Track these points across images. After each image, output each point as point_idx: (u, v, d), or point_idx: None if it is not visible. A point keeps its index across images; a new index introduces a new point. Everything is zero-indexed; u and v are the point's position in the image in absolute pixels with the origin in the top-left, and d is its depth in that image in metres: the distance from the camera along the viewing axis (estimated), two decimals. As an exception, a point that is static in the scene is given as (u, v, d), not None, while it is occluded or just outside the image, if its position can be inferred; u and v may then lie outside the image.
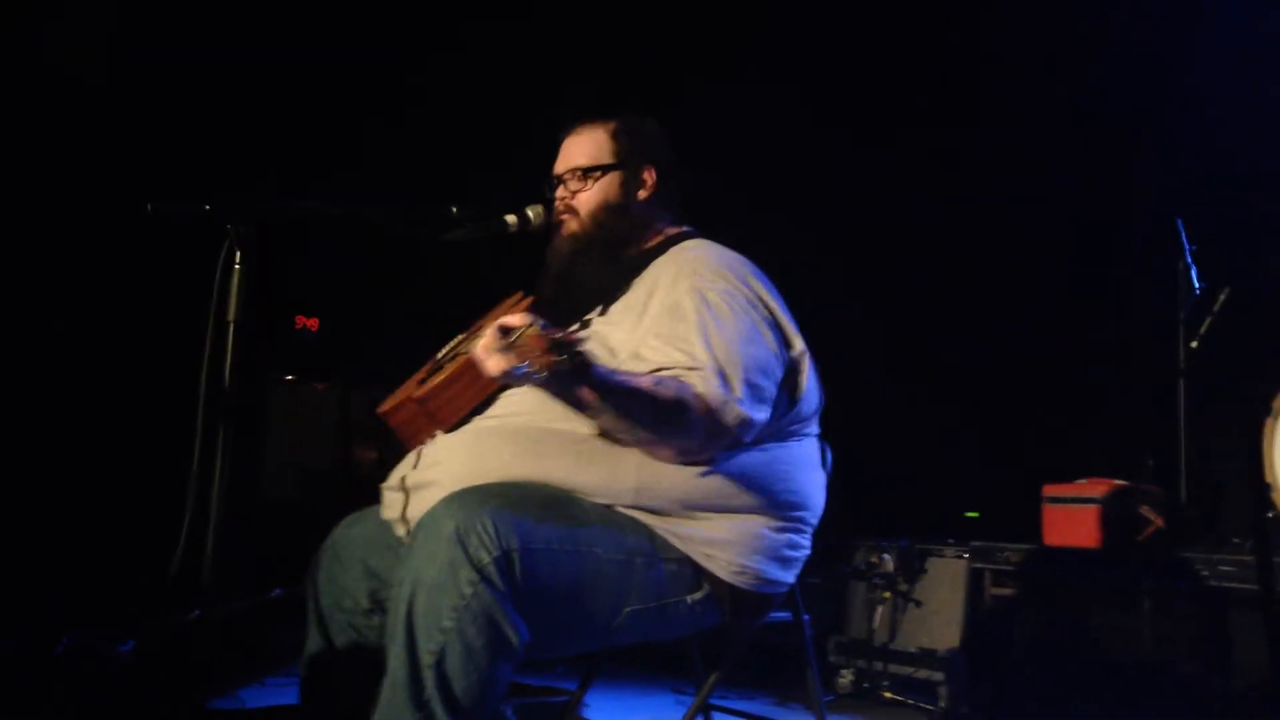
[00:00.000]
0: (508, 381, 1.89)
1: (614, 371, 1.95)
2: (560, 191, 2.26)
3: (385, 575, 2.12)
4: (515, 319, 1.93)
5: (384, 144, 4.34)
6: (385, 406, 2.25)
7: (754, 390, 2.02)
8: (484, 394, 2.13)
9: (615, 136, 2.24)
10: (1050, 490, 3.74)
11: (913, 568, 3.76)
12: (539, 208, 2.29)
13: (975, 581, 3.69)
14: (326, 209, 2.27)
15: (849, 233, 4.70)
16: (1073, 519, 3.64)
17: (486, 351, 1.87)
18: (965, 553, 3.73)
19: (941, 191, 4.76)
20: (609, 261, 2.22)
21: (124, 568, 3.36)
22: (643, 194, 2.25)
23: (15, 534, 3.45)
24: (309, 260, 4.05)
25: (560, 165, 2.26)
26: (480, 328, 2.24)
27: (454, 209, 2.32)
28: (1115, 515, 3.54)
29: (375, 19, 4.35)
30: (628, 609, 2.01)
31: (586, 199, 2.23)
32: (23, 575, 3.35)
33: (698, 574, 2.07)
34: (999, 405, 4.56)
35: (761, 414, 2.04)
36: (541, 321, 1.88)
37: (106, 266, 3.74)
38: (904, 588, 3.76)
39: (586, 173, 2.23)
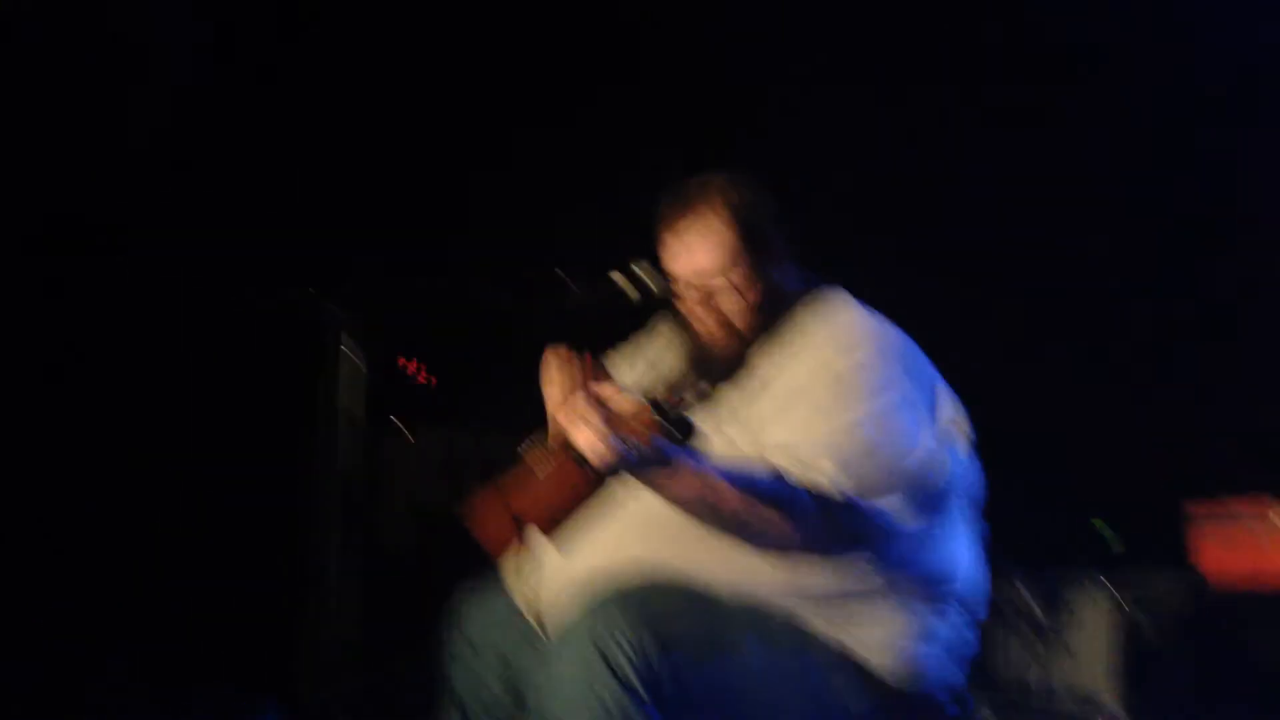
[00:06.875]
0: (609, 470, 1.81)
1: (721, 465, 1.86)
2: (687, 290, 2.08)
3: (520, 665, 2.05)
4: (615, 397, 1.84)
5: (477, 195, 4.21)
6: (466, 507, 2.16)
7: (883, 485, 1.89)
8: (579, 493, 1.97)
9: (734, 224, 2.03)
10: (1200, 509, 3.54)
11: (1055, 601, 3.60)
12: (648, 267, 2.17)
13: (1124, 615, 3.52)
14: (432, 289, 2.23)
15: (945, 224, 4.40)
16: (1231, 542, 3.44)
17: (589, 440, 1.78)
18: (1112, 584, 3.56)
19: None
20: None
21: (251, 646, 3.37)
22: (775, 266, 2.08)
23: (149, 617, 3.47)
24: (412, 305, 4.01)
25: (682, 266, 2.06)
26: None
27: (559, 271, 2.22)
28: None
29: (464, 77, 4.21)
30: (781, 716, 1.91)
31: (730, 303, 2.05)
32: (157, 660, 3.40)
33: (854, 668, 1.94)
34: (1126, 402, 4.31)
35: (896, 508, 1.90)
36: (645, 398, 1.82)
37: (220, 344, 3.72)
38: (1045, 624, 3.60)
39: (724, 280, 2.04)
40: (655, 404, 1.87)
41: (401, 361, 4.07)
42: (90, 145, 3.58)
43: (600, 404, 1.83)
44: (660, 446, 1.82)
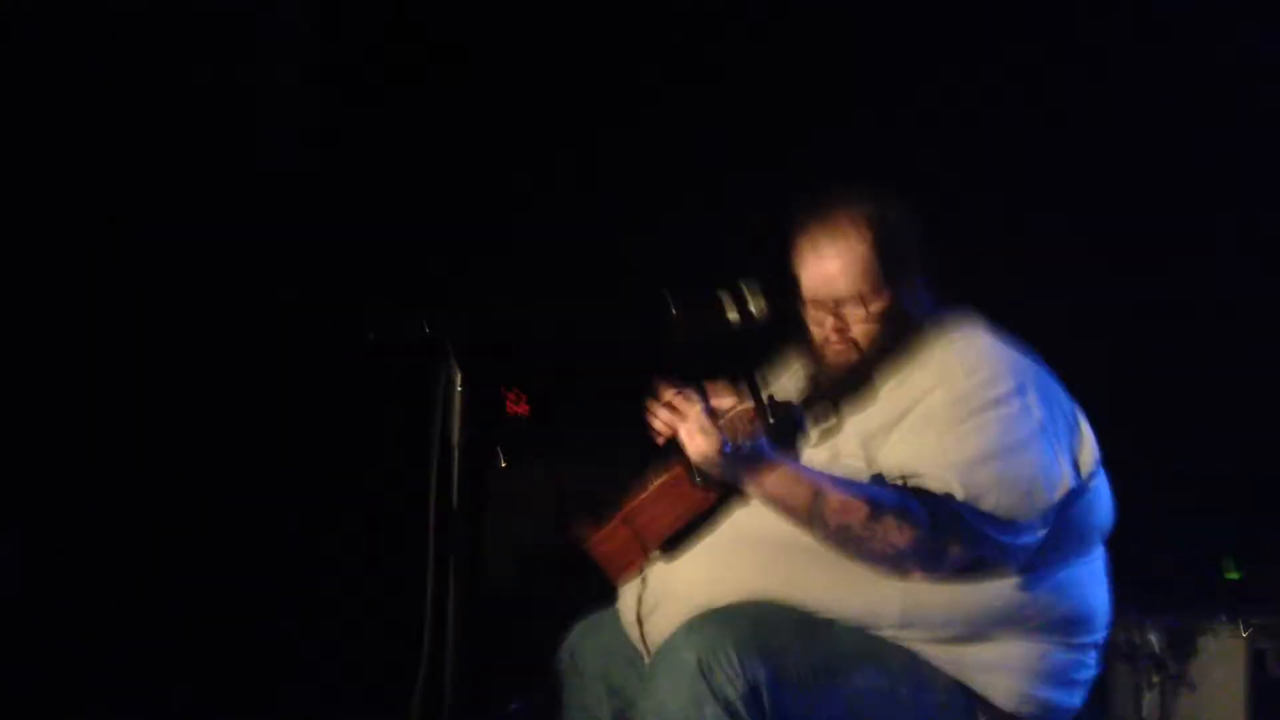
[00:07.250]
0: (711, 469, 1.80)
1: (826, 474, 1.84)
2: (821, 315, 2.04)
3: (627, 692, 2.04)
4: (722, 393, 1.83)
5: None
6: (588, 533, 2.16)
7: (1015, 516, 1.84)
8: (693, 508, 1.98)
9: (873, 243, 1.99)
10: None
11: (1183, 647, 3.44)
12: (759, 295, 2.13)
13: (1257, 662, 3.36)
14: (545, 321, 2.23)
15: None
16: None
17: (690, 432, 1.78)
18: (1244, 629, 3.40)
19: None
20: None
21: (366, 680, 3.41)
22: (910, 288, 2.04)
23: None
24: (516, 340, 4.01)
25: (814, 279, 2.02)
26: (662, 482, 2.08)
27: (669, 300, 2.20)
28: None
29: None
30: None
31: (864, 330, 2.01)
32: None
33: (972, 704, 1.90)
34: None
35: (1021, 538, 1.85)
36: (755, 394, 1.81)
37: (331, 375, 3.77)
38: (1174, 669, 3.45)
39: (856, 301, 2.00)
40: (766, 402, 1.85)
41: (511, 399, 4.08)
42: (211, 170, 3.68)
43: (704, 398, 1.83)
44: (762, 443, 1.80)
